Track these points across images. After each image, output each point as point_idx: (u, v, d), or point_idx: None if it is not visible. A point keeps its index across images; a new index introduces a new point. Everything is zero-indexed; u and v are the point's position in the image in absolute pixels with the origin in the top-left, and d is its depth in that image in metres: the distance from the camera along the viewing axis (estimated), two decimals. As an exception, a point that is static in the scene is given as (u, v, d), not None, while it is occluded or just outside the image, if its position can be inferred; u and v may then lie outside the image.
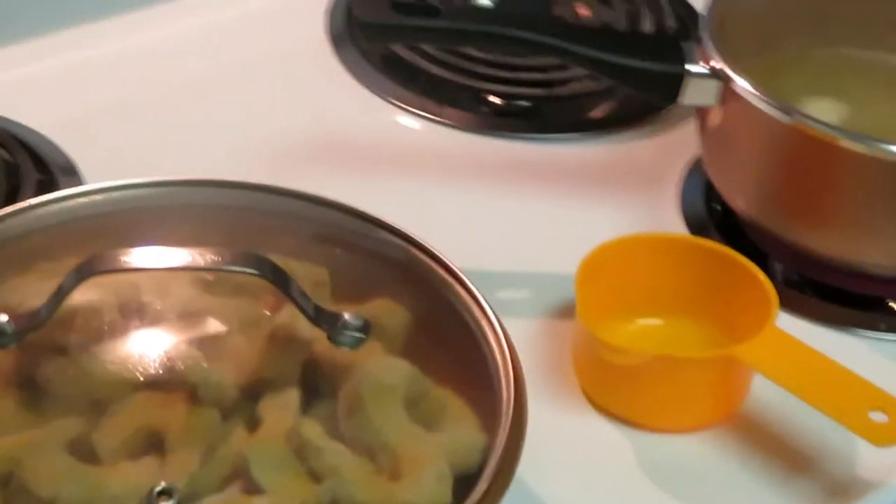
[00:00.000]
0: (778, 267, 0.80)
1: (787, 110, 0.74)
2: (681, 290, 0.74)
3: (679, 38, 0.82)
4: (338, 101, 0.92)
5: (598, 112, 0.93)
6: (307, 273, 0.66)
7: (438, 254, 0.66)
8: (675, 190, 0.86)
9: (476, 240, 0.82)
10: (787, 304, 0.75)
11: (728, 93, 0.77)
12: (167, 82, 0.92)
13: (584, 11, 1.01)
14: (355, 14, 0.76)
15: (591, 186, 0.88)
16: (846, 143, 0.73)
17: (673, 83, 0.78)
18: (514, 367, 0.61)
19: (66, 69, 0.92)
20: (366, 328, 0.62)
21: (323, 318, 0.62)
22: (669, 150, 0.90)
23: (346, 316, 0.62)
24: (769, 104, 0.74)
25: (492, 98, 0.93)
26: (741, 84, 0.75)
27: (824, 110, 0.82)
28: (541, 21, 0.81)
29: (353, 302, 0.65)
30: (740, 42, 0.81)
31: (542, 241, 0.83)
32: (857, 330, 0.78)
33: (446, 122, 0.91)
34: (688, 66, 0.78)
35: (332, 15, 0.98)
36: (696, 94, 0.78)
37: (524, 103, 0.93)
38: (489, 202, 0.85)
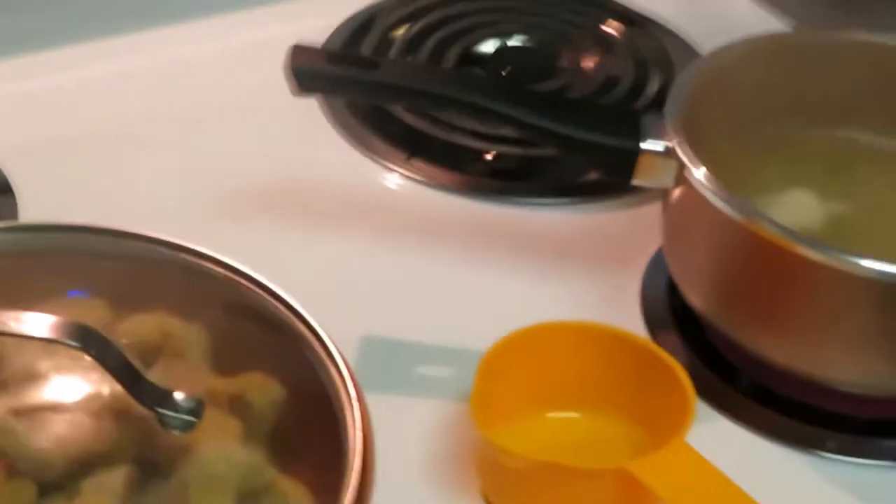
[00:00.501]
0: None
1: (739, 206, 0.67)
2: (604, 384, 0.68)
3: (641, 112, 0.74)
4: (301, 146, 0.87)
5: (578, 176, 0.86)
6: (183, 334, 0.62)
7: (318, 329, 0.61)
8: (640, 274, 0.79)
9: (415, 306, 0.77)
10: (743, 416, 0.70)
11: (682, 177, 0.70)
12: (128, 117, 0.89)
13: (589, 63, 0.95)
14: (289, 61, 0.70)
15: (555, 259, 0.81)
16: (802, 250, 0.65)
17: (626, 160, 0.71)
18: (364, 459, 0.55)
19: (25, 95, 0.90)
20: (197, 411, 0.57)
21: (151, 397, 0.57)
22: (646, 224, 0.83)
23: (177, 396, 0.57)
24: (720, 197, 0.67)
25: (468, 154, 0.87)
26: (694, 170, 0.68)
27: (804, 204, 0.75)
28: (486, 83, 0.75)
29: (229, 371, 0.61)
30: (717, 121, 0.73)
31: (486, 314, 0.76)
32: (810, 448, 0.70)
33: (415, 176, 0.86)
34: (642, 143, 0.71)
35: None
36: (651, 174, 0.71)
37: (503, 163, 0.87)
38: (441, 267, 0.80)
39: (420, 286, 0.78)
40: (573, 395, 0.68)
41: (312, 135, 0.88)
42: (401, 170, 0.86)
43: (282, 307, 0.63)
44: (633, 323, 0.76)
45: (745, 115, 0.76)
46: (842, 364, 0.68)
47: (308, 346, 0.61)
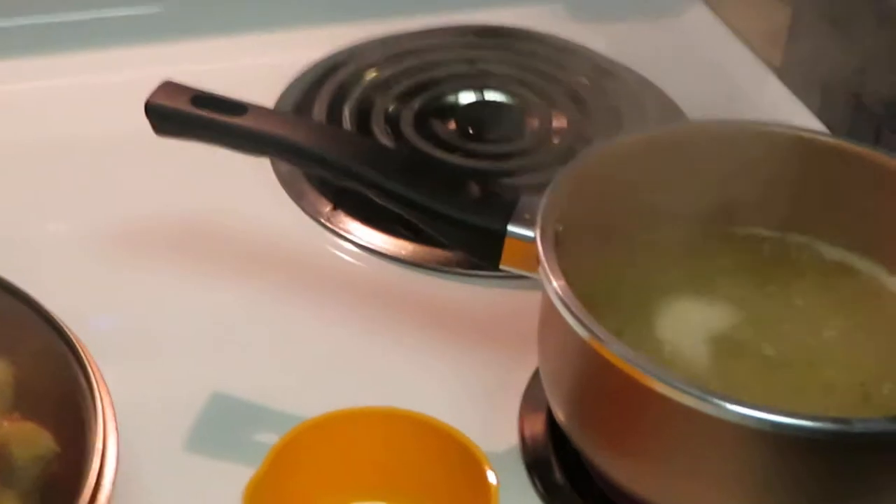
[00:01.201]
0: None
1: (581, 318, 0.59)
2: (412, 472, 0.63)
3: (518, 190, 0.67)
4: (220, 182, 0.83)
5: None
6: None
7: (94, 382, 0.57)
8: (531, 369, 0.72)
9: (282, 366, 0.72)
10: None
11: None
12: (37, 141, 0.87)
13: (559, 122, 0.88)
14: (150, 98, 0.66)
15: (458, 335, 0.75)
16: (649, 381, 0.57)
17: (491, 242, 0.65)
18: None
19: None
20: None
21: None
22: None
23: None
24: (563, 302, 0.60)
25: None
26: (544, 264, 0.61)
27: (688, 313, 0.67)
28: (356, 142, 0.69)
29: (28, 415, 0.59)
30: (603, 212, 0.67)
31: (361, 384, 0.72)
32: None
33: (334, 227, 0.80)
34: (510, 226, 0.64)
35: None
36: (518, 261, 0.65)
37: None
38: (330, 328, 0.75)
39: (298, 345, 0.73)
40: (380, 484, 0.63)
41: (239, 169, 0.83)
42: (321, 220, 0.80)
43: (73, 360, 0.59)
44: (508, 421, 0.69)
45: (636, 208, 0.68)
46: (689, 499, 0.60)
47: (84, 401, 0.57)
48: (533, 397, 0.70)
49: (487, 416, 0.69)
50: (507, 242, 0.64)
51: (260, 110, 0.67)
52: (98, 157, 0.85)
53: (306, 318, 0.75)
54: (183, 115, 0.66)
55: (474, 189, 0.65)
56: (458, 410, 0.67)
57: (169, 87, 0.67)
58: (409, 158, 0.72)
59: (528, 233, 0.63)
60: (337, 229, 0.80)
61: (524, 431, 0.68)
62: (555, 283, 0.60)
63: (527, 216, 0.64)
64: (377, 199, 0.66)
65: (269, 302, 0.75)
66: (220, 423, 0.68)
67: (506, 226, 0.64)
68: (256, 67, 0.93)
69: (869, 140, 0.89)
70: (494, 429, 0.68)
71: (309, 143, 0.66)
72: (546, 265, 0.61)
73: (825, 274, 0.69)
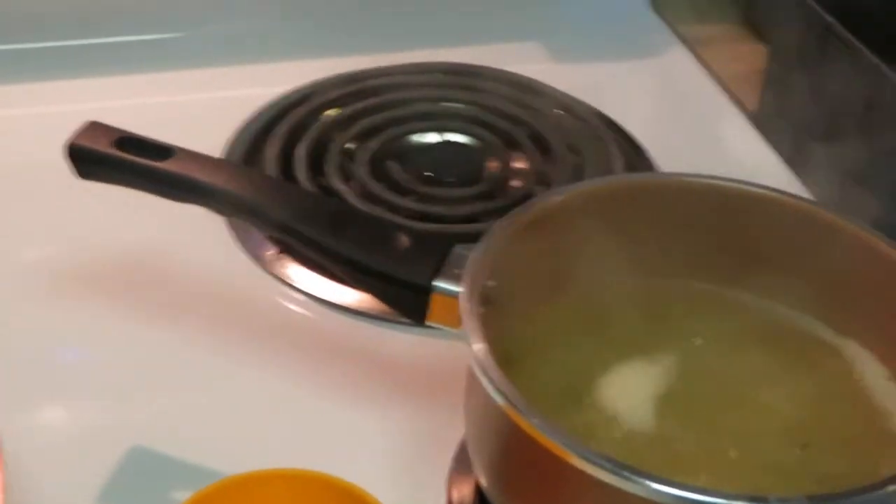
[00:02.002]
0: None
1: (498, 385, 0.56)
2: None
3: (453, 240, 0.65)
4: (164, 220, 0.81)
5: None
6: None
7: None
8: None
9: (209, 419, 0.70)
10: None
11: (467, 329, 0.60)
12: None
13: (520, 164, 0.86)
14: (72, 142, 0.64)
15: (397, 388, 0.73)
16: (566, 455, 0.55)
17: (417, 297, 0.62)
18: None
19: None
20: None
21: None
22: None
23: None
24: (480, 367, 0.57)
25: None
26: (465, 323, 0.59)
27: (630, 376, 0.64)
28: (284, 192, 0.67)
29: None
30: (540, 270, 0.65)
31: (292, 439, 0.69)
32: None
33: (277, 273, 0.79)
34: (435, 281, 0.62)
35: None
36: (445, 318, 0.62)
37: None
38: (267, 379, 0.72)
39: (228, 395, 0.71)
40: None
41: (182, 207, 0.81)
42: (265, 265, 0.78)
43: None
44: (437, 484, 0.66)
45: (574, 263, 0.65)
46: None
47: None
48: (464, 459, 0.67)
49: (417, 478, 0.67)
50: (434, 298, 0.62)
51: (187, 154, 0.65)
52: (33, 188, 0.83)
53: (239, 366, 0.72)
54: (105, 157, 0.64)
55: (403, 240, 0.63)
56: (388, 471, 0.66)
57: (93, 128, 0.65)
58: (337, 208, 0.70)
59: (455, 288, 0.61)
60: (280, 275, 0.78)
61: (452, 496, 0.66)
62: (474, 346, 0.57)
63: (456, 270, 0.62)
64: (303, 250, 0.64)
65: (202, 348, 0.73)
66: (137, 475, 0.66)
67: (432, 280, 0.62)
68: (214, 102, 0.91)
69: (836, 191, 0.87)
70: (422, 493, 0.66)
71: (233, 192, 0.64)
72: (467, 325, 0.58)
73: (767, 333, 0.67)
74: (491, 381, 0.56)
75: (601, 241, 0.66)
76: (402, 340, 0.75)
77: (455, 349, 0.73)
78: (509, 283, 0.63)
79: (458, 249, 0.63)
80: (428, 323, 0.63)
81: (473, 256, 0.62)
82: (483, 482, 0.61)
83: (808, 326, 0.68)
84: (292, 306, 0.77)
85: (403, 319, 0.72)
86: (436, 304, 0.62)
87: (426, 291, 0.62)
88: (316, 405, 0.71)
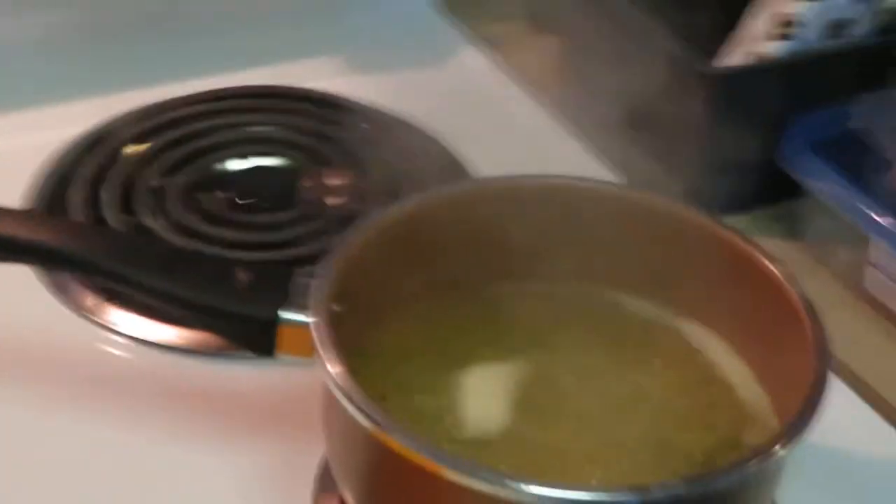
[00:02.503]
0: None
1: (361, 406, 0.56)
2: None
3: (293, 269, 0.64)
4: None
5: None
6: None
7: None
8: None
9: (69, 483, 0.67)
10: None
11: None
12: None
13: (335, 182, 0.84)
14: None
15: (242, 424, 0.71)
16: (437, 469, 0.55)
17: (264, 332, 0.61)
18: None
19: None
20: None
21: None
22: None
23: None
24: (341, 391, 0.56)
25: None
26: (319, 351, 0.58)
27: (489, 386, 0.64)
28: (110, 238, 0.65)
29: None
30: (389, 285, 0.64)
31: (131, 487, 0.67)
32: None
33: (106, 322, 0.76)
34: (282, 313, 0.60)
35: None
36: (296, 349, 0.61)
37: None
38: (101, 429, 0.70)
39: (60, 453, 0.68)
40: None
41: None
42: (88, 314, 0.75)
43: None
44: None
45: (418, 276, 0.65)
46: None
47: None
48: (326, 480, 0.66)
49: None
50: (281, 330, 0.61)
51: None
52: None
53: (72, 423, 0.70)
54: None
55: (242, 276, 0.62)
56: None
57: None
58: (170, 249, 0.68)
59: (303, 318, 0.60)
60: (105, 323, 0.75)
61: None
62: (332, 371, 0.56)
63: (301, 300, 0.61)
64: (137, 295, 0.61)
65: (29, 407, 0.70)
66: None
67: (277, 313, 0.60)
68: (3, 152, 0.87)
69: (643, 175, 0.88)
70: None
71: (53, 243, 0.61)
72: (322, 352, 0.57)
73: (619, 326, 0.68)
74: (353, 403, 0.55)
75: (440, 249, 0.66)
76: (239, 374, 0.74)
77: (295, 375, 0.72)
78: (355, 303, 0.62)
79: (299, 278, 0.62)
80: (278, 356, 0.61)
81: (315, 283, 0.61)
82: (350, 501, 0.60)
83: (649, 312, 0.68)
84: (122, 353, 0.75)
85: (238, 353, 0.71)
86: (284, 336, 0.61)
87: (273, 325, 0.60)
88: (161, 452, 0.69)
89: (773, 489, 0.60)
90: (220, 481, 0.67)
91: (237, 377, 0.73)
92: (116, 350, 0.74)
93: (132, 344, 0.74)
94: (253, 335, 0.61)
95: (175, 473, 0.67)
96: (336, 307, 0.60)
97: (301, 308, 0.60)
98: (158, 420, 0.70)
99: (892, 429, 0.74)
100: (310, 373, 0.69)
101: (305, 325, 0.60)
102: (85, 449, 0.69)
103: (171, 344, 0.74)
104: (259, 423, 0.71)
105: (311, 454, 0.67)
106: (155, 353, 0.74)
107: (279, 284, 0.61)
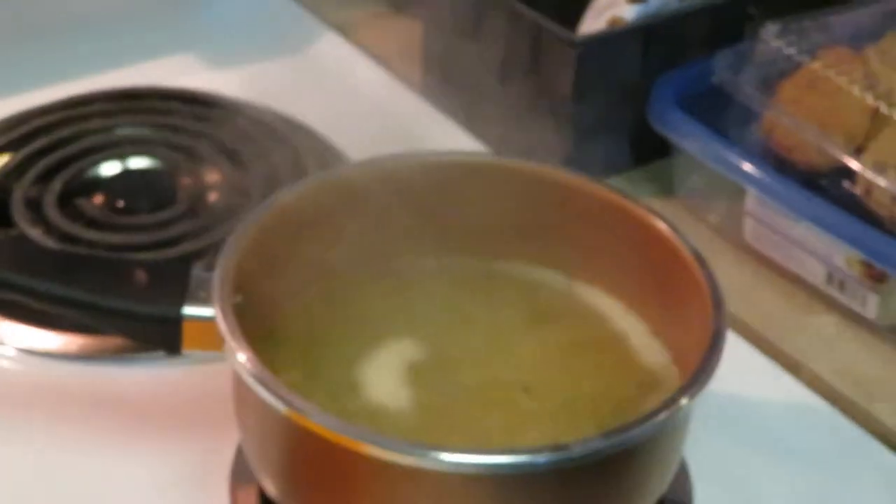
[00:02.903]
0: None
1: (275, 391, 0.56)
2: None
3: (190, 265, 0.63)
4: None
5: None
6: None
7: None
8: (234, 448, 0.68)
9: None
10: None
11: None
12: None
13: (212, 178, 0.84)
14: None
15: (142, 425, 0.70)
16: (358, 446, 0.55)
17: (168, 329, 0.60)
18: None
19: None
20: None
21: None
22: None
23: None
24: (255, 378, 0.57)
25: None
26: (229, 341, 0.58)
27: (400, 358, 0.64)
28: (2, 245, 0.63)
29: None
30: (288, 272, 0.64)
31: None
32: None
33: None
34: (185, 308, 0.60)
35: None
36: (202, 343, 0.61)
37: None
38: (23, 456, 0.68)
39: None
40: None
41: None
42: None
43: None
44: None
45: (317, 260, 0.65)
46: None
47: None
48: (242, 472, 0.66)
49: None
50: (186, 326, 0.60)
51: None
52: None
53: None
54: None
55: (141, 276, 0.61)
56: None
57: None
58: (63, 255, 0.67)
59: (207, 312, 0.60)
60: (-10, 334, 0.73)
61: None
62: (242, 358, 0.56)
63: (202, 294, 0.61)
64: (33, 305, 0.60)
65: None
66: None
67: (181, 309, 0.60)
68: None
69: (519, 147, 0.89)
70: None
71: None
72: (231, 342, 0.57)
73: (514, 294, 0.68)
74: (268, 388, 0.55)
75: (332, 232, 0.66)
76: (136, 377, 0.73)
77: (191, 374, 0.71)
78: (256, 293, 0.62)
79: (197, 272, 0.62)
80: (185, 351, 0.61)
81: (216, 275, 0.60)
82: (271, 489, 0.60)
83: (542, 278, 0.69)
84: (12, 366, 0.73)
85: (131, 356, 0.70)
86: (189, 331, 0.60)
87: (177, 321, 0.60)
88: (64, 462, 0.68)
89: (683, 439, 0.61)
90: (134, 486, 0.66)
91: (135, 380, 0.73)
92: (7, 363, 0.73)
93: (25, 356, 0.73)
94: (158, 334, 0.60)
95: (86, 482, 0.67)
96: (238, 298, 0.60)
97: (203, 302, 0.60)
98: (59, 429, 0.69)
99: (782, 372, 0.76)
100: (208, 369, 0.69)
101: (209, 318, 0.59)
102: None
103: (61, 352, 0.73)
104: (163, 423, 0.70)
105: (222, 449, 0.67)
106: (44, 361, 0.73)
107: (178, 281, 0.61)
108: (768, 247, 0.81)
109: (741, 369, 0.73)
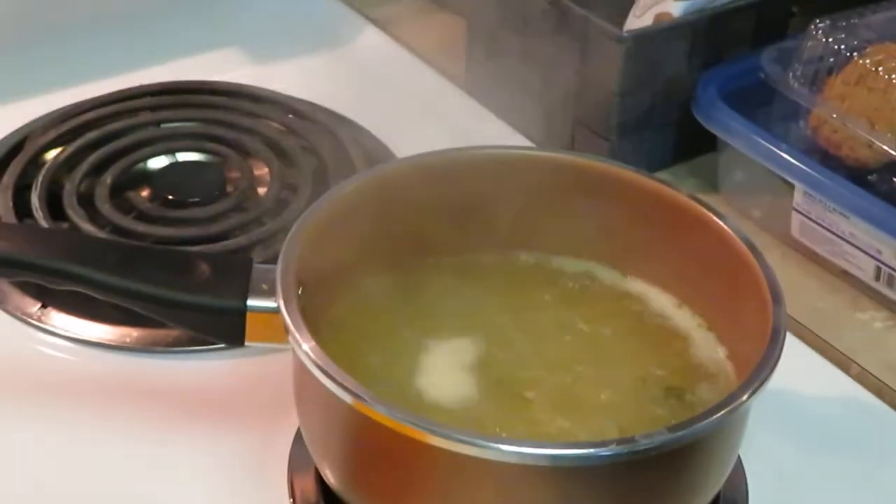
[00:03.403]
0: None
1: (346, 384, 0.56)
2: None
3: (252, 257, 0.64)
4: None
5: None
6: None
7: None
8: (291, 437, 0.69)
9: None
10: None
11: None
12: None
13: (261, 171, 0.85)
14: None
15: (201, 417, 0.70)
16: (422, 436, 0.56)
17: (233, 321, 0.61)
18: None
19: None
20: None
21: None
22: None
23: None
24: (326, 374, 0.57)
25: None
26: (293, 332, 0.58)
27: (458, 352, 0.65)
28: (64, 241, 0.64)
29: None
30: (349, 265, 0.64)
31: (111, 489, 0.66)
32: None
33: (48, 327, 0.75)
34: (250, 301, 0.61)
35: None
36: (266, 335, 0.62)
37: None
38: (64, 433, 0.69)
39: (24, 465, 0.68)
40: None
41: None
42: (31, 320, 0.75)
43: None
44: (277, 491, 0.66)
45: (375, 253, 0.66)
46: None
47: None
48: (299, 462, 0.67)
49: (254, 494, 0.66)
50: (250, 318, 0.61)
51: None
52: None
53: (28, 431, 0.69)
54: None
55: (203, 268, 0.62)
56: (224, 494, 0.65)
57: None
58: (126, 247, 0.67)
59: (270, 304, 0.60)
60: (50, 328, 0.74)
61: (296, 498, 0.65)
62: (306, 349, 0.57)
63: (264, 286, 0.61)
64: (99, 297, 0.61)
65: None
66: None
67: (245, 301, 0.61)
68: None
69: (564, 142, 0.90)
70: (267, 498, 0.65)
71: (8, 250, 0.61)
72: (296, 333, 0.58)
73: (569, 290, 0.69)
74: (332, 378, 0.56)
75: (388, 227, 0.67)
76: (191, 367, 0.74)
77: (244, 365, 0.72)
78: (315, 286, 0.62)
79: (259, 264, 0.62)
80: (248, 343, 0.61)
81: (279, 268, 0.61)
82: (331, 477, 0.61)
83: (596, 273, 0.70)
84: (71, 357, 0.74)
85: (191, 347, 0.71)
86: (252, 323, 0.61)
87: (242, 314, 0.61)
88: (122, 452, 0.69)
89: (742, 435, 0.61)
90: (191, 475, 0.67)
91: (189, 372, 0.74)
92: (66, 354, 0.74)
93: (82, 348, 0.74)
94: (222, 326, 0.61)
95: (143, 472, 0.67)
96: (299, 290, 0.61)
97: (266, 294, 0.61)
98: (115, 420, 0.70)
99: (832, 367, 0.76)
100: (260, 360, 0.70)
101: (273, 310, 0.60)
102: (55, 453, 0.68)
103: (116, 343, 0.74)
104: (219, 414, 0.71)
105: (279, 438, 0.67)
106: (100, 353, 0.74)
107: (240, 273, 0.62)
108: (816, 242, 0.81)
109: (791, 365, 0.73)
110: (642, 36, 0.87)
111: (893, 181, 0.77)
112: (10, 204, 0.81)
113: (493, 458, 0.55)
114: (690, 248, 0.68)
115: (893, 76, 0.78)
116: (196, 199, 0.83)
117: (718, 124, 0.85)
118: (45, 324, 0.74)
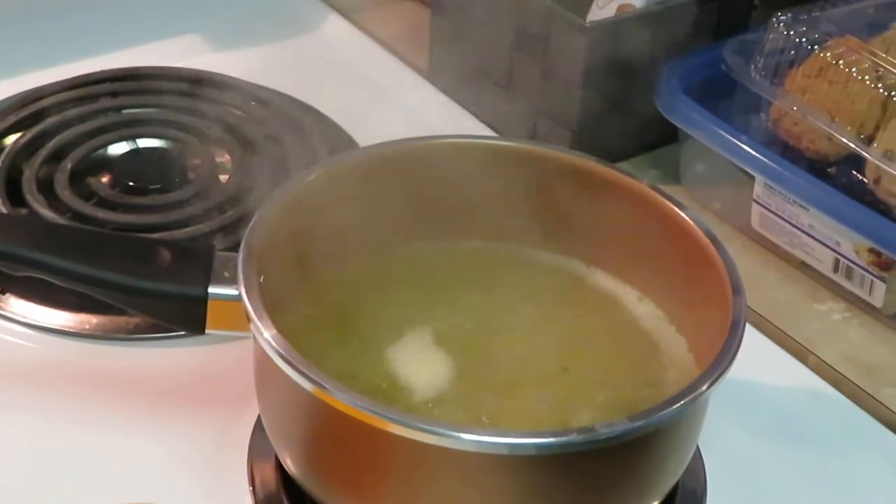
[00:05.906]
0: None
1: (301, 369, 0.56)
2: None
3: (215, 248, 0.64)
4: None
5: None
6: None
7: None
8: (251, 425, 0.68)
9: None
10: None
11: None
12: None
13: (223, 158, 0.84)
14: None
15: (159, 405, 0.70)
16: (386, 425, 0.56)
17: (193, 309, 0.61)
18: None
19: None
20: None
21: None
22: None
23: None
24: (286, 361, 0.57)
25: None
26: (255, 320, 0.58)
27: (424, 339, 0.65)
28: (24, 226, 0.64)
29: None
30: (313, 251, 0.64)
31: (61, 479, 0.66)
32: None
33: (7, 314, 0.74)
34: (211, 288, 0.61)
35: None
36: (226, 323, 0.61)
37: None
38: (42, 433, 0.69)
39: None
40: None
41: None
42: (-9, 309, 0.74)
43: None
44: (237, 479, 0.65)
45: (339, 242, 0.66)
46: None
47: None
48: (259, 449, 0.67)
49: (214, 482, 0.66)
50: (211, 306, 0.61)
51: None
52: None
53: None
54: None
55: (165, 255, 0.61)
56: (184, 481, 0.65)
57: None
58: (86, 234, 0.67)
59: (232, 291, 0.60)
60: (9, 314, 0.74)
61: (255, 485, 0.65)
62: (268, 336, 0.57)
63: (226, 274, 0.61)
64: (59, 284, 0.61)
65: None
66: None
67: (206, 289, 0.60)
68: None
69: (527, 132, 0.90)
70: (224, 492, 0.65)
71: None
72: (257, 321, 0.58)
73: (531, 280, 0.69)
74: (293, 366, 0.56)
75: (351, 215, 0.67)
76: (151, 354, 0.74)
77: (208, 350, 0.72)
78: (277, 275, 0.62)
79: (221, 252, 0.62)
80: (209, 331, 0.61)
81: (241, 256, 0.61)
82: (291, 465, 0.61)
83: (559, 264, 0.70)
84: (31, 344, 0.74)
85: (150, 335, 0.71)
86: (214, 311, 0.61)
87: (203, 301, 0.60)
88: (81, 439, 0.68)
89: (701, 424, 0.62)
90: (151, 462, 0.66)
91: (149, 359, 0.73)
92: (26, 341, 0.74)
93: (40, 335, 0.73)
94: (183, 313, 0.61)
95: (103, 459, 0.67)
96: (261, 278, 0.60)
97: (227, 282, 0.60)
98: (74, 407, 0.70)
99: (790, 359, 0.76)
100: (220, 348, 0.70)
101: (234, 298, 0.60)
102: (11, 440, 0.68)
103: (76, 330, 0.73)
104: (179, 401, 0.71)
105: (238, 426, 0.67)
106: (60, 340, 0.74)
107: (202, 261, 0.62)
108: (775, 234, 0.82)
109: (750, 355, 0.73)
110: (605, 26, 0.87)
111: (853, 174, 0.78)
112: (-32, 190, 0.80)
113: (452, 446, 0.55)
114: (652, 239, 0.68)
115: (853, 69, 0.78)
116: (157, 186, 0.83)
117: (680, 116, 0.85)
118: (4, 310, 0.74)
